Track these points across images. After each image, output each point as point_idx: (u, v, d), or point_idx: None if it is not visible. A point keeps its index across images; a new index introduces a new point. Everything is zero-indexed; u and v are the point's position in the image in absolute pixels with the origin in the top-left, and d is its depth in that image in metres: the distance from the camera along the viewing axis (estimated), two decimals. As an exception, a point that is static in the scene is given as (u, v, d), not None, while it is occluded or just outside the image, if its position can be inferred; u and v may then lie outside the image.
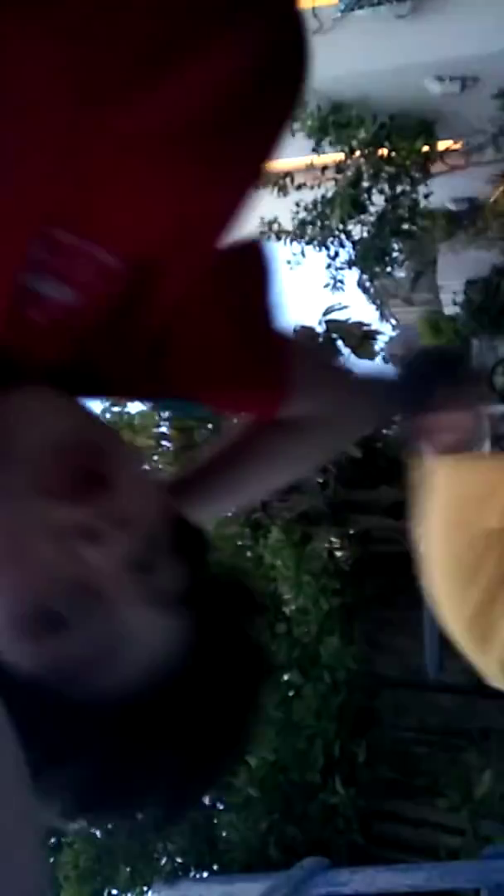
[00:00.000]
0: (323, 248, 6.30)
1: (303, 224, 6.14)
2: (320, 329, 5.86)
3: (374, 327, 6.13)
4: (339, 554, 5.38)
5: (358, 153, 5.75)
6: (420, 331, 15.57)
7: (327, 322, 5.85)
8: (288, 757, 4.68)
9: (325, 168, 6.06)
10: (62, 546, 0.50)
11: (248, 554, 5.56)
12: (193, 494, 0.76)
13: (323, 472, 5.61)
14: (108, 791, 0.54)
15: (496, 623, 1.07)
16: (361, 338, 5.87)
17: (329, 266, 6.46)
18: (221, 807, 5.30)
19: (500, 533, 1.14)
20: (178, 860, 5.13)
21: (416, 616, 5.16)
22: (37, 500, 0.50)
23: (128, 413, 6.21)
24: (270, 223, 6.39)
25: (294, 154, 6.55)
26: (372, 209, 6.04)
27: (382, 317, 15.66)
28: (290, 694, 4.95)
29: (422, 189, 6.03)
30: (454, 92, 5.70)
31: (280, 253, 6.56)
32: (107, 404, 6.24)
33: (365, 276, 7.20)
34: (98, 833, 5.52)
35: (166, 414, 6.00)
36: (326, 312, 5.88)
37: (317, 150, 5.89)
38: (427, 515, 1.19)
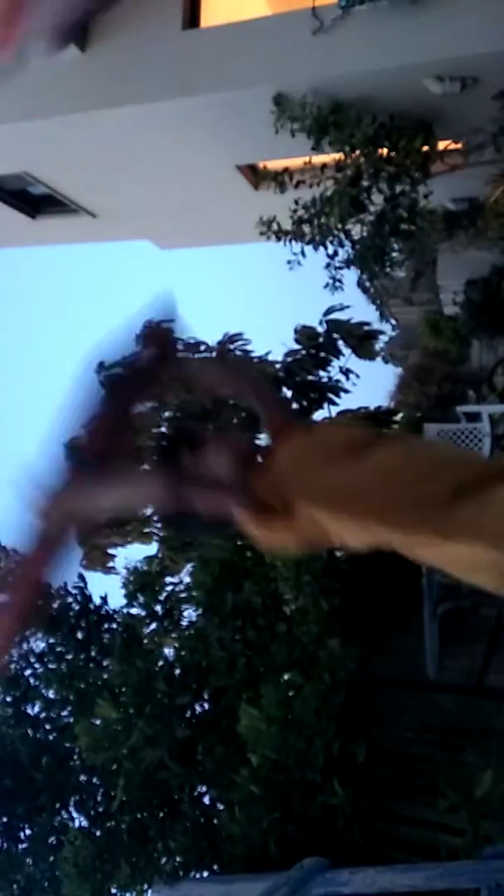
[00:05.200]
0: (322, 248, 6.29)
1: (300, 223, 6.13)
2: (320, 329, 5.86)
3: (374, 327, 6.11)
4: (339, 554, 5.38)
5: (357, 152, 5.75)
6: (420, 331, 15.59)
7: (328, 322, 5.85)
8: (288, 756, 4.68)
9: (324, 167, 6.06)
10: None
11: (248, 554, 5.56)
12: None
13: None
14: None
15: None
16: (361, 338, 5.87)
17: (328, 266, 6.45)
18: (222, 806, 5.31)
19: None
20: (179, 859, 5.13)
21: (416, 616, 5.16)
22: None
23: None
24: (269, 223, 6.38)
25: (293, 153, 6.55)
26: (371, 209, 6.03)
27: (382, 317, 15.66)
28: (290, 694, 4.95)
29: (421, 189, 6.02)
30: (454, 92, 5.70)
31: (280, 253, 6.56)
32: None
33: (364, 276, 7.19)
34: (98, 832, 5.53)
35: (167, 414, 6.00)
36: (327, 313, 5.88)
37: (316, 149, 5.89)
38: None
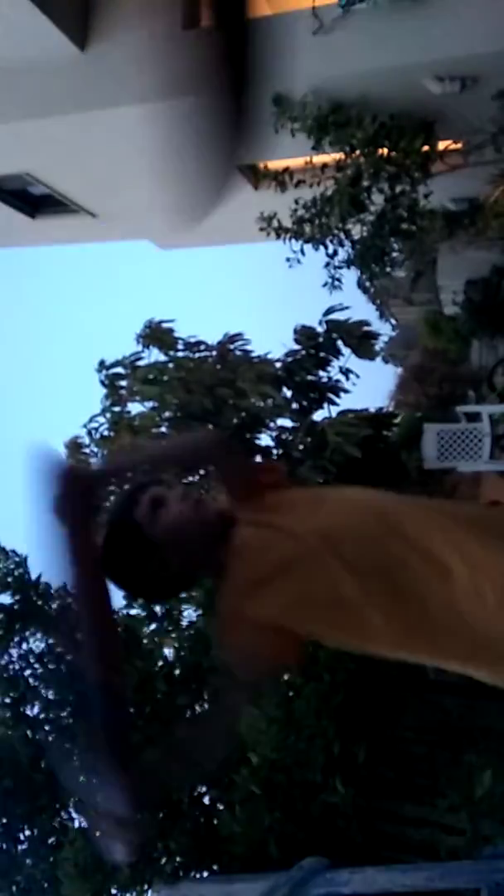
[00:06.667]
0: (322, 247, 6.29)
1: (301, 222, 6.13)
2: (320, 329, 5.86)
3: (373, 327, 6.11)
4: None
5: (358, 152, 5.75)
6: (420, 331, 15.59)
7: (327, 322, 5.85)
8: (288, 756, 4.68)
9: (324, 167, 6.06)
10: None
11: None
12: None
13: (323, 471, 5.61)
14: None
15: None
16: (361, 337, 5.87)
17: (328, 265, 6.45)
18: (222, 806, 5.31)
19: None
20: (179, 859, 5.12)
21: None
22: None
23: (128, 412, 6.21)
24: (269, 218, 6.37)
25: (294, 153, 6.55)
26: (371, 208, 6.04)
27: (382, 317, 15.65)
28: (290, 694, 4.95)
29: (422, 189, 6.03)
30: (454, 92, 5.70)
31: (279, 252, 6.56)
32: (107, 403, 6.25)
33: (364, 276, 7.19)
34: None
35: (167, 414, 6.00)
36: (327, 312, 5.88)
37: (317, 149, 5.89)
38: None
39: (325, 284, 6.56)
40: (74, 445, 6.44)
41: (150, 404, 6.07)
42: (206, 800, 5.51)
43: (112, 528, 1.66)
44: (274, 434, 6.05)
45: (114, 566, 1.63)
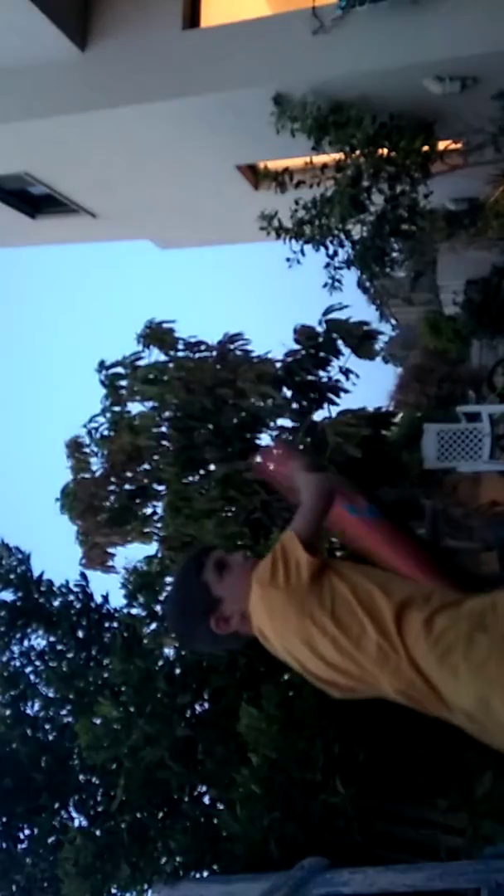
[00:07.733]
0: (322, 247, 6.29)
1: (301, 223, 6.13)
2: (320, 329, 5.86)
3: (373, 327, 6.10)
4: (339, 554, 5.37)
5: (357, 152, 5.75)
6: (420, 331, 15.60)
7: (327, 322, 5.84)
8: (288, 756, 4.68)
9: (324, 167, 6.06)
10: None
11: (248, 554, 5.55)
12: None
13: (323, 471, 5.60)
14: None
15: None
16: (361, 338, 5.86)
17: (328, 265, 6.45)
18: (222, 806, 5.30)
19: None
20: (179, 859, 5.13)
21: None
22: None
23: (128, 412, 6.21)
24: (270, 218, 6.37)
25: (293, 153, 6.55)
26: (371, 208, 6.03)
27: (382, 317, 15.66)
28: (291, 694, 4.95)
29: (421, 189, 6.03)
30: (454, 92, 5.70)
31: (279, 252, 6.56)
32: (107, 403, 6.25)
33: (364, 276, 7.19)
34: (98, 832, 5.53)
35: (167, 414, 6.00)
36: (327, 312, 5.88)
37: (317, 149, 5.89)
38: None
39: (325, 285, 6.56)
40: (75, 445, 6.45)
41: (150, 404, 6.07)
42: (206, 799, 5.51)
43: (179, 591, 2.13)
44: (274, 434, 6.05)
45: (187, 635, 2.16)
